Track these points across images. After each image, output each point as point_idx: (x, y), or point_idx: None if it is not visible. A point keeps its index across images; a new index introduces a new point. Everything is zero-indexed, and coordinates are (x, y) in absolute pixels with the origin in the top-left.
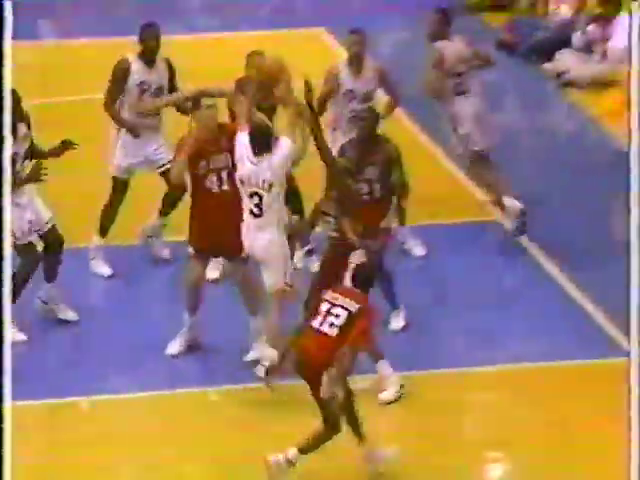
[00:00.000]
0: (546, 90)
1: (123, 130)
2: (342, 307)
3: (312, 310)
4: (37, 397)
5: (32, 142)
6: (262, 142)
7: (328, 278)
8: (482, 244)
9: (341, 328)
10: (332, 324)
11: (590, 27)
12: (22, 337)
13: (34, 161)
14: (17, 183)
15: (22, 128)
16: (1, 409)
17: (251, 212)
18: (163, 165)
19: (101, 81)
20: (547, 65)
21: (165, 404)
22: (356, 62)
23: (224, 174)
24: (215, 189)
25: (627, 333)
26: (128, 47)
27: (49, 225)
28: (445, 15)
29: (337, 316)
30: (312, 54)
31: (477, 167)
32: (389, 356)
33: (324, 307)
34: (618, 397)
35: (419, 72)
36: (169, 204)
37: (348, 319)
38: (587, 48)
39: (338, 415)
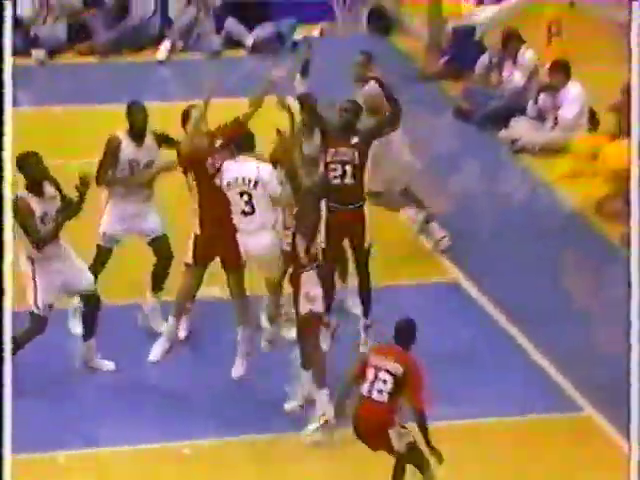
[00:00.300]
0: (500, 156)
1: (112, 199)
2: (388, 372)
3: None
4: (19, 451)
5: (63, 202)
6: (246, 144)
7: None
8: (442, 305)
9: (390, 394)
10: (381, 390)
11: (541, 96)
12: None
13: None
14: (49, 238)
15: (48, 188)
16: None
17: (243, 212)
18: (153, 234)
19: (78, 147)
20: (502, 132)
21: (144, 457)
22: (306, 128)
23: None
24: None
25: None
26: (104, 114)
27: (87, 292)
28: (370, 56)
29: (384, 382)
30: (281, 120)
31: (405, 198)
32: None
33: (370, 374)
34: (573, 450)
35: None
36: (160, 278)
37: (395, 383)
38: (540, 116)
39: (423, 456)
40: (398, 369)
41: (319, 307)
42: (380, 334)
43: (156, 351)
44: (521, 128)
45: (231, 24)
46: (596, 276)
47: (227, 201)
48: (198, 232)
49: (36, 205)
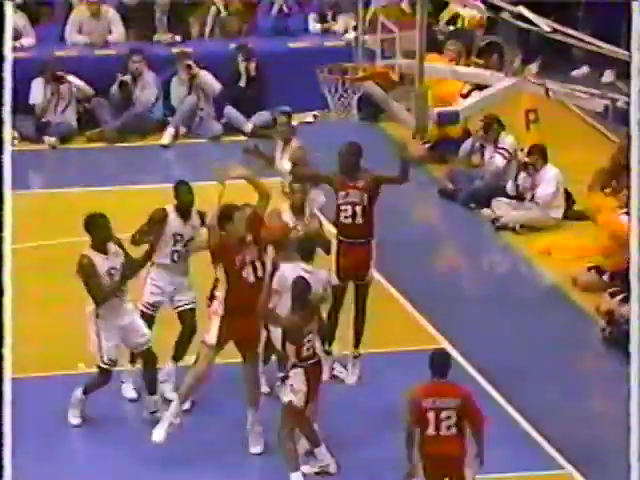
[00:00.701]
0: (483, 233)
1: (156, 270)
2: (447, 408)
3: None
4: None
5: (126, 259)
6: (308, 250)
7: None
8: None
9: (457, 425)
10: (449, 427)
11: (521, 175)
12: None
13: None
14: (109, 295)
15: (111, 246)
16: None
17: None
18: (185, 306)
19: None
20: (484, 211)
21: None
22: (297, 208)
23: (258, 264)
24: (251, 279)
25: None
26: (112, 195)
27: (145, 347)
28: (289, 115)
29: (448, 417)
30: (274, 201)
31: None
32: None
33: (431, 416)
34: None
35: None
36: (183, 347)
37: (458, 415)
38: (519, 195)
39: None
40: (454, 401)
41: (300, 402)
42: (365, 396)
43: (159, 432)
44: (502, 208)
45: (230, 111)
46: (573, 343)
47: (254, 291)
48: (222, 315)
49: (102, 262)
